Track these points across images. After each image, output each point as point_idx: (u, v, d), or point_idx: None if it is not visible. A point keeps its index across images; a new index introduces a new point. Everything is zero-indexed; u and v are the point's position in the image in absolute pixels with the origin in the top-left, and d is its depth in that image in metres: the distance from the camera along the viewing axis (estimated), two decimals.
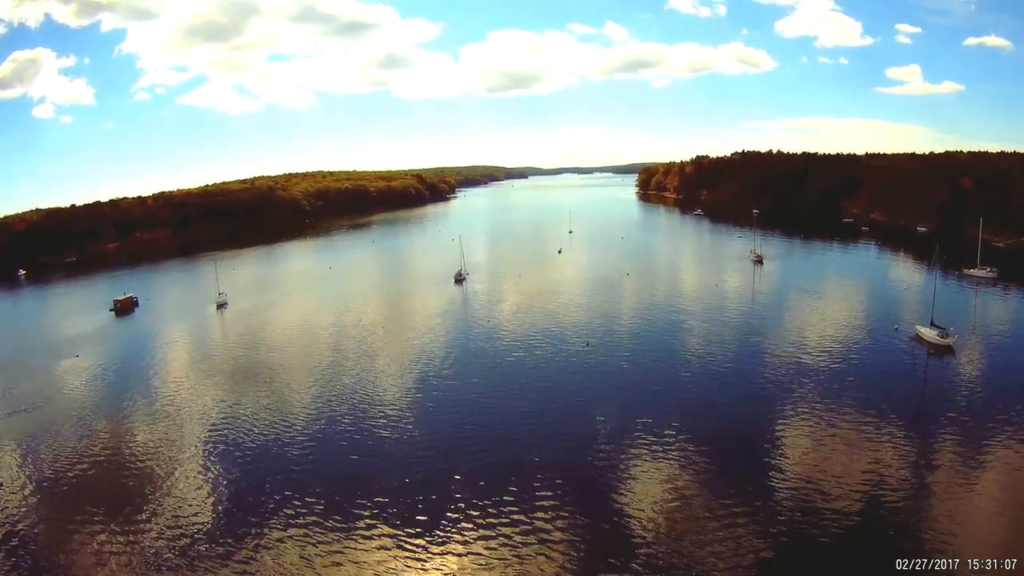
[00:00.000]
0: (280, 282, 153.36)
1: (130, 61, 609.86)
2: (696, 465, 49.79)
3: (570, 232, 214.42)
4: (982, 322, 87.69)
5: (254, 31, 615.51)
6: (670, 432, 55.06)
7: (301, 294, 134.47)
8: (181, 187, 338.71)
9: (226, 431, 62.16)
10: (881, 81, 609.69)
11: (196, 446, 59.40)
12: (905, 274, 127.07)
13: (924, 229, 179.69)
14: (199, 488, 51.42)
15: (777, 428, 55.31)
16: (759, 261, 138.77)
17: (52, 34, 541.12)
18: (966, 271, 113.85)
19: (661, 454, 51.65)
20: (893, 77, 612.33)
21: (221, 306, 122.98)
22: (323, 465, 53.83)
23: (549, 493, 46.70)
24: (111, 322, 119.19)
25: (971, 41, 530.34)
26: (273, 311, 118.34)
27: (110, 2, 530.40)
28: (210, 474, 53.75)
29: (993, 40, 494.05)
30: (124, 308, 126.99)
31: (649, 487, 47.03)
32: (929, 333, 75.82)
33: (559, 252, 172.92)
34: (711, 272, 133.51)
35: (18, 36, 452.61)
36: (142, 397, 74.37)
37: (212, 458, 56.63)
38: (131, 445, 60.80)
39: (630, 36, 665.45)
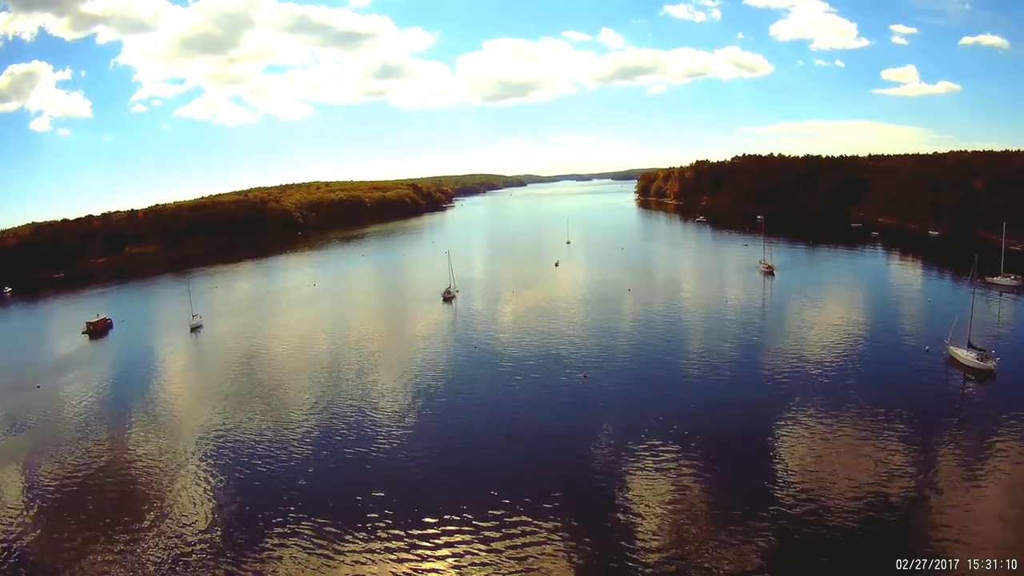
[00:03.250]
0: (260, 301, 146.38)
1: (126, 74, 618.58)
2: (707, 476, 49.77)
3: (568, 243, 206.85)
4: (1018, 339, 79.63)
5: (250, 43, 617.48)
6: (680, 460, 51.58)
7: (280, 315, 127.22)
8: (178, 200, 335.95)
9: (188, 466, 58.41)
10: (877, 83, 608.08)
11: (157, 487, 55.03)
12: (928, 285, 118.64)
13: (936, 233, 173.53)
14: (171, 526, 48.41)
15: (798, 449, 53.11)
16: (770, 272, 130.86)
17: (47, 47, 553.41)
18: (989, 279, 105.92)
19: (672, 488, 47.88)
20: (889, 78, 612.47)
21: (195, 329, 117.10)
22: (291, 497, 51.06)
23: (548, 506, 46.31)
24: (82, 347, 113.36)
25: (967, 41, 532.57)
26: (248, 335, 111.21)
27: (105, 15, 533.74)
28: (180, 513, 50.28)
29: (989, 39, 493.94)
30: (97, 331, 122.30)
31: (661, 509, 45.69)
32: (966, 356, 67.90)
33: (556, 265, 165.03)
34: (719, 286, 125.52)
35: (13, 50, 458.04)
36: (99, 435, 68.59)
37: (176, 499, 52.63)
38: (84, 487, 56.29)
39: (626, 43, 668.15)
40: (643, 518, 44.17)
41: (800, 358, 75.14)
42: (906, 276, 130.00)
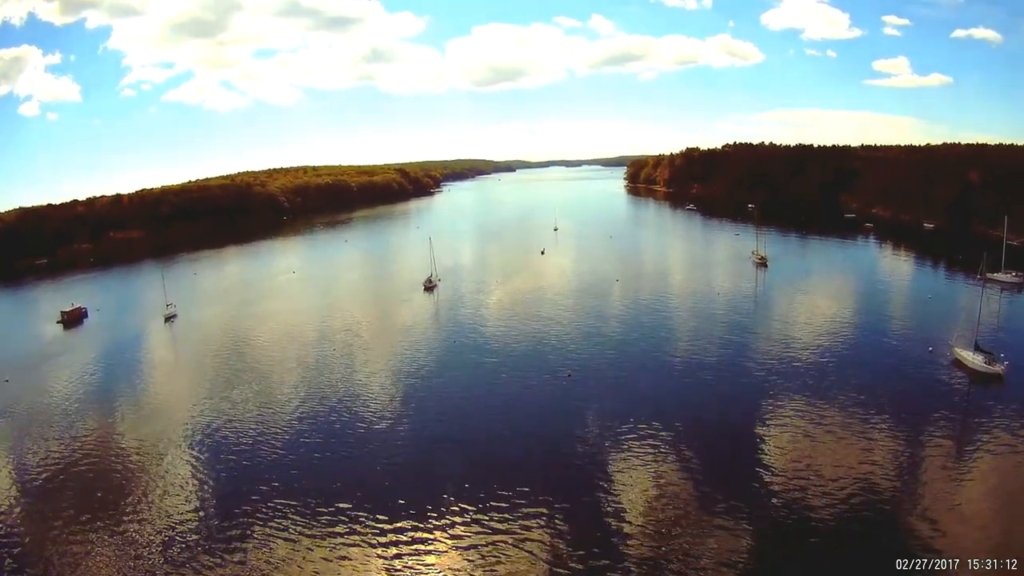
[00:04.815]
0: (238, 290, 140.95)
1: (116, 58, 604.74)
2: (701, 478, 48.36)
3: (555, 230, 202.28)
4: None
5: (239, 26, 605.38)
6: (671, 464, 49.28)
7: (255, 305, 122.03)
8: (167, 184, 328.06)
9: (157, 462, 56.67)
10: (869, 73, 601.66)
11: (128, 485, 52.98)
12: (928, 281, 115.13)
13: (931, 226, 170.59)
14: (145, 525, 47.05)
15: (796, 453, 50.95)
16: (762, 263, 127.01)
17: (37, 31, 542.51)
18: (990, 275, 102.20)
19: (665, 491, 45.26)
20: (881, 69, 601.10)
21: (170, 319, 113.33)
22: (259, 496, 49.17)
23: (530, 506, 45.48)
24: (55, 337, 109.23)
25: (959, 33, 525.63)
26: (221, 325, 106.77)
27: None
28: (152, 511, 48.96)
29: (981, 32, 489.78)
30: (72, 320, 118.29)
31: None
32: (973, 358, 64.18)
33: (542, 253, 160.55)
34: (710, 277, 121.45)
35: (2, 34, 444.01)
36: (66, 433, 64.68)
37: (147, 497, 51.05)
38: (51, 485, 54.41)
39: (616, 29, 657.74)
40: (636, 522, 42.83)
41: (795, 356, 71.49)
42: (904, 270, 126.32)
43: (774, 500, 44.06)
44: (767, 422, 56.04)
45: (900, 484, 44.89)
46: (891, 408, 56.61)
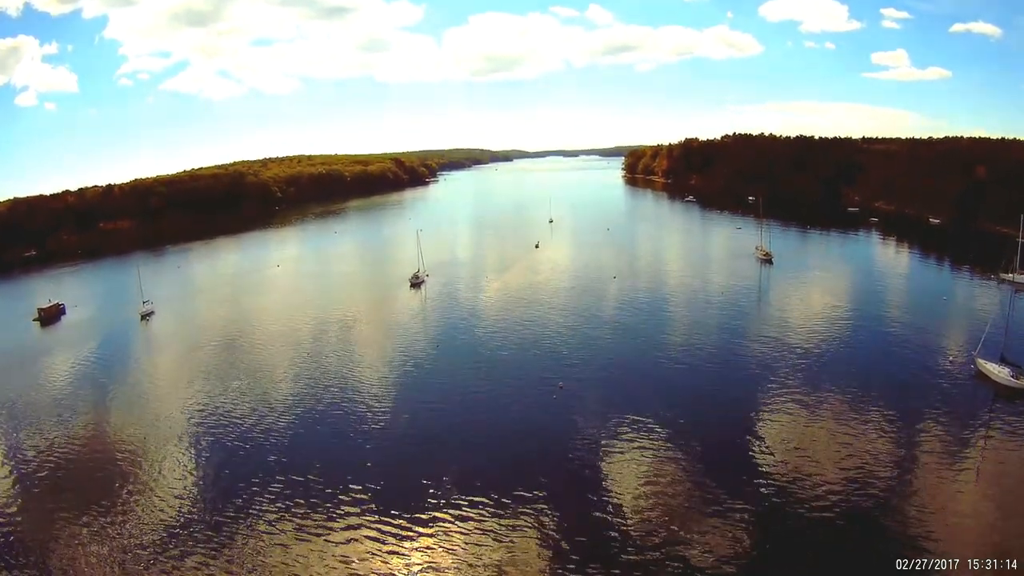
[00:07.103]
0: (219, 284, 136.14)
1: (112, 47, 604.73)
2: (706, 486, 46.82)
3: (550, 222, 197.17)
4: None
5: (236, 15, 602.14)
6: (671, 476, 44.92)
7: (235, 301, 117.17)
8: (163, 173, 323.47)
9: (134, 467, 54.41)
10: (867, 66, 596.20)
11: (103, 490, 51.02)
12: (941, 280, 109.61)
13: (937, 221, 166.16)
14: (129, 527, 44.58)
15: (809, 459, 49.38)
16: (767, 260, 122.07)
17: (33, 21, 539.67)
18: (1003, 276, 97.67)
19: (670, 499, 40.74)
20: (879, 62, 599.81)
21: (146, 316, 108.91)
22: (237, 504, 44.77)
23: (531, 493, 45.92)
24: (30, 335, 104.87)
25: (958, 27, 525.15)
26: (197, 324, 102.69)
27: None
28: (134, 515, 47.50)
29: (980, 26, 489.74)
30: (49, 317, 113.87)
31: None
32: (999, 371, 59.25)
33: (536, 247, 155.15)
34: (713, 275, 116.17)
35: None
36: (34, 440, 61.67)
37: (128, 501, 49.31)
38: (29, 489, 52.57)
39: (614, 19, 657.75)
40: (635, 524, 42.36)
41: (808, 364, 66.95)
42: (914, 269, 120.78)
43: (777, 503, 43.45)
44: (775, 430, 53.48)
45: (905, 490, 44.13)
46: (907, 420, 53.63)
